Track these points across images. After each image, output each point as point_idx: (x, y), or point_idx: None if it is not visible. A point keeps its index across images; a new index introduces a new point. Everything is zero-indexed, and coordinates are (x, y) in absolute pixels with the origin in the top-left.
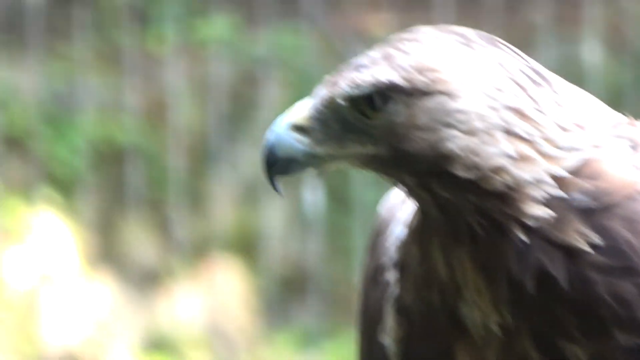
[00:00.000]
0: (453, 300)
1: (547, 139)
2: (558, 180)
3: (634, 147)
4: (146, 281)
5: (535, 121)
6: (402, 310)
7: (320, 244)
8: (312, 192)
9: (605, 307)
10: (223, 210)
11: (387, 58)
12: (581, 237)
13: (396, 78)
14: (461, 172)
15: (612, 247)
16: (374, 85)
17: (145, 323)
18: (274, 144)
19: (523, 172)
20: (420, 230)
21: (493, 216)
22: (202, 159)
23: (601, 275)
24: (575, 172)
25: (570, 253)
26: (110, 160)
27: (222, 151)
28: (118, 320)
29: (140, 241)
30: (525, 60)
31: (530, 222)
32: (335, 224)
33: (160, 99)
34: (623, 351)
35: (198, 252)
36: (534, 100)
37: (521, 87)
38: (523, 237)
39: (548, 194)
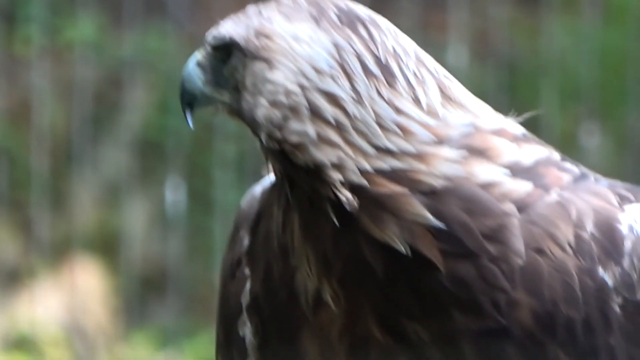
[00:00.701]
0: (290, 272)
1: (359, 131)
2: (363, 173)
3: (468, 155)
4: (7, 280)
5: (347, 111)
6: (253, 304)
7: (181, 244)
8: (173, 192)
9: (443, 290)
10: (85, 210)
11: (245, 17)
12: (406, 229)
13: (237, 36)
14: (265, 141)
15: (448, 233)
16: (223, 39)
17: (5, 322)
18: (184, 76)
19: (321, 155)
20: (270, 191)
21: (305, 190)
22: (65, 160)
23: (442, 260)
24: (385, 171)
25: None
26: None
27: (85, 152)
28: None
29: (1, 240)
30: (377, 49)
31: (345, 206)
32: (196, 224)
33: (24, 100)
34: (463, 329)
35: (59, 251)
36: (356, 90)
37: (348, 75)
38: (334, 220)
39: (349, 181)
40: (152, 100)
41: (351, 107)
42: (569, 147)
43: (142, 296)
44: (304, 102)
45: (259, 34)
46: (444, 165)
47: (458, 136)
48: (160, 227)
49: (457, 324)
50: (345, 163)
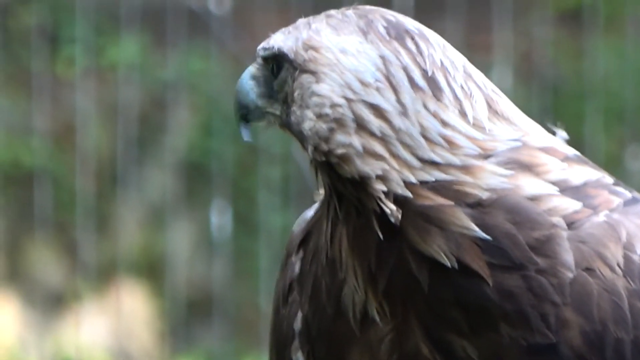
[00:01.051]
0: (338, 287)
1: (404, 144)
2: (408, 185)
3: (515, 169)
4: (52, 303)
5: (393, 123)
6: (304, 328)
7: (226, 267)
8: (218, 215)
9: (491, 303)
10: (130, 233)
11: (294, 29)
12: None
13: (286, 48)
14: (312, 154)
15: (494, 245)
16: (272, 50)
17: (51, 346)
18: (238, 89)
19: (366, 166)
20: (320, 207)
21: (351, 202)
22: (109, 182)
23: (489, 272)
24: (430, 184)
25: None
26: (18, 182)
27: (130, 174)
28: (24, 342)
29: (46, 263)
30: (425, 62)
31: (390, 218)
32: (241, 247)
33: (69, 122)
34: (511, 346)
35: (104, 274)
36: (402, 103)
37: (394, 88)
38: (379, 232)
39: (394, 193)
40: (196, 122)
41: (397, 120)
42: (613, 170)
43: (187, 320)
44: (350, 115)
45: (307, 46)
46: (490, 178)
47: (505, 150)
48: (205, 250)
49: (504, 339)
50: (389, 175)
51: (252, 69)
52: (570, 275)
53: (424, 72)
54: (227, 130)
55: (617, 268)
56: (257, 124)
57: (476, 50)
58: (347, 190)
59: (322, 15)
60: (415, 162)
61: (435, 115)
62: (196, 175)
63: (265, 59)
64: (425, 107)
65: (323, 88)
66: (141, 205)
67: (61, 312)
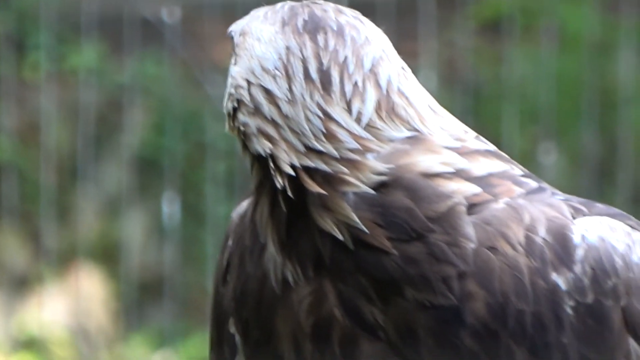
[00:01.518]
0: (261, 252)
1: (292, 130)
2: (295, 168)
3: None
4: (17, 286)
5: (281, 109)
6: (234, 301)
7: (176, 253)
8: (169, 205)
9: (394, 270)
10: (88, 222)
11: (250, 15)
12: (349, 219)
13: (233, 32)
14: (227, 128)
15: (392, 221)
16: (229, 33)
17: (15, 324)
18: None
19: (259, 146)
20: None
21: (265, 176)
22: (70, 176)
23: (390, 244)
24: (313, 171)
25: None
26: None
27: (89, 169)
28: None
29: (12, 249)
30: (324, 57)
31: (288, 193)
32: (190, 234)
33: (33, 121)
34: (418, 312)
35: (65, 259)
36: (292, 92)
37: (288, 77)
38: (283, 205)
39: (286, 173)
40: (149, 122)
41: (285, 107)
42: (527, 165)
43: (140, 300)
44: (247, 97)
45: (242, 31)
46: (369, 175)
47: (390, 149)
48: (156, 237)
49: (411, 304)
50: (279, 155)
51: None
52: (472, 245)
53: (321, 65)
54: (177, 129)
55: (518, 247)
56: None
57: (404, 56)
58: (258, 166)
59: (270, 6)
60: (301, 148)
61: (319, 107)
62: (149, 170)
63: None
64: (312, 97)
65: (235, 70)
66: (99, 197)
67: (25, 294)
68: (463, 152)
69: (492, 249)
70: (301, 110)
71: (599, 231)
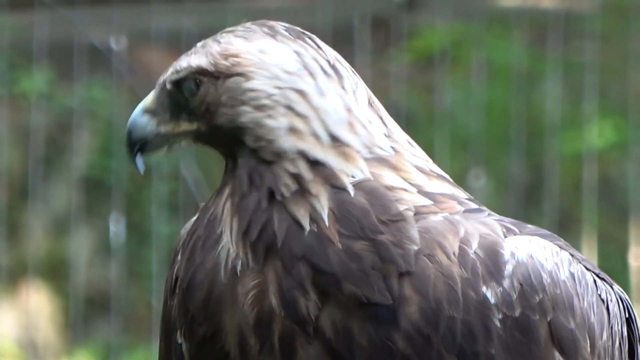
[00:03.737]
0: (215, 243)
1: (320, 120)
2: (311, 161)
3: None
4: None
5: (312, 103)
6: (179, 301)
7: (121, 270)
8: (115, 224)
9: (336, 261)
10: (37, 240)
11: (203, 46)
12: (316, 210)
13: (204, 63)
14: (251, 143)
15: (346, 217)
16: (188, 70)
17: None
18: (129, 128)
19: (286, 143)
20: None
21: (252, 174)
22: (20, 195)
23: (338, 237)
24: (329, 162)
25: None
26: None
27: (38, 189)
28: None
29: None
30: (326, 55)
31: (281, 190)
32: (135, 252)
33: None
34: (353, 309)
35: (14, 276)
36: (319, 87)
37: (312, 74)
38: (264, 201)
39: (298, 170)
40: (96, 144)
41: (316, 99)
42: None
43: (86, 315)
44: (283, 100)
45: (225, 55)
46: (354, 172)
47: (372, 155)
48: (103, 255)
49: (347, 299)
50: (305, 151)
51: (144, 104)
52: (415, 247)
53: (328, 62)
54: (123, 151)
55: (453, 257)
56: (154, 152)
57: None
58: (258, 167)
59: (224, 32)
60: (326, 140)
61: (342, 99)
62: (96, 190)
63: (177, 83)
64: (335, 90)
65: (255, 84)
66: (47, 216)
67: None
68: (425, 173)
69: (430, 256)
70: (330, 102)
71: (528, 249)
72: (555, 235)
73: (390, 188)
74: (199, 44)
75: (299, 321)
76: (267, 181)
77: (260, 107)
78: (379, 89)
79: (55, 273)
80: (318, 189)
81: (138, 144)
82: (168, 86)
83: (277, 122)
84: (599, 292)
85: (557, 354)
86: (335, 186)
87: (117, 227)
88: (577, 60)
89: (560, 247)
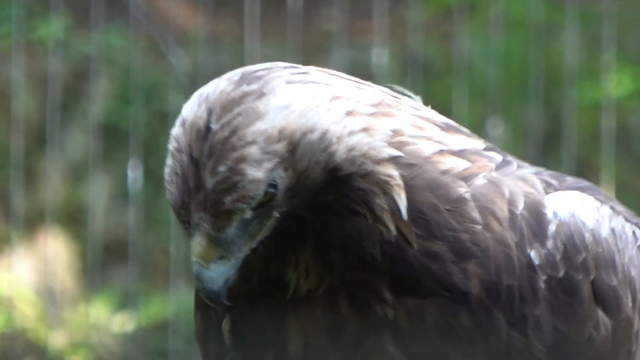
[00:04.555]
0: (278, 272)
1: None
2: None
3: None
4: None
5: (365, 115)
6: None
7: (139, 216)
8: (132, 170)
9: (417, 265)
10: (54, 187)
11: (242, 159)
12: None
13: (264, 171)
14: (349, 168)
15: (421, 218)
16: (258, 191)
17: None
18: (209, 287)
19: (381, 148)
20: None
21: (339, 201)
22: (38, 142)
23: (416, 239)
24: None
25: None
26: None
27: (55, 136)
28: None
29: None
30: (344, 77)
31: (371, 202)
32: (152, 199)
33: (3, 90)
34: (427, 300)
35: (32, 222)
36: (361, 101)
37: (351, 96)
38: (351, 224)
39: (388, 170)
40: (113, 91)
41: (364, 109)
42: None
43: (103, 262)
44: (352, 126)
45: (279, 138)
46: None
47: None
48: (120, 201)
49: (425, 292)
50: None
51: (206, 259)
52: (479, 227)
53: (353, 80)
54: (140, 98)
55: (504, 222)
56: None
57: (358, 34)
58: (347, 194)
59: (238, 117)
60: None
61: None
62: (113, 137)
63: (255, 207)
64: (372, 96)
65: (320, 128)
66: (65, 162)
67: None
68: (441, 126)
69: (485, 226)
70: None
71: (570, 207)
72: (594, 187)
73: (434, 162)
74: (231, 163)
75: (373, 321)
76: (362, 198)
77: (339, 139)
78: (398, 38)
79: (72, 220)
80: (399, 190)
81: (222, 290)
82: (247, 215)
83: (357, 137)
84: (638, 244)
85: (600, 312)
86: (404, 183)
87: (134, 173)
88: (595, 11)
89: (601, 202)
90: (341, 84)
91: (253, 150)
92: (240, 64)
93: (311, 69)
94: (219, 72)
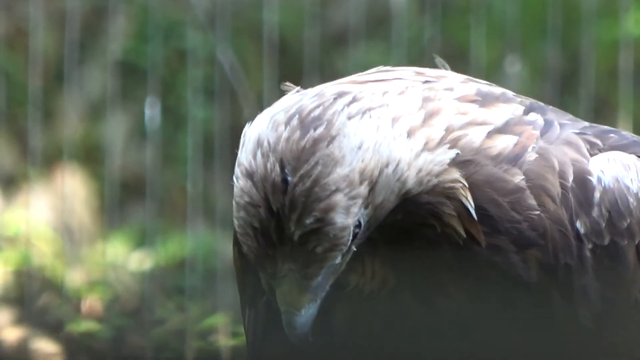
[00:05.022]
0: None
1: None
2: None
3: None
4: (4, 185)
5: (429, 122)
6: None
7: (156, 154)
8: (150, 108)
9: (483, 260)
10: (72, 124)
11: (330, 209)
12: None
13: (352, 216)
14: (418, 188)
15: (485, 215)
16: (349, 237)
17: (3, 221)
18: (302, 332)
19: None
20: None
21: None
22: (56, 80)
23: (482, 236)
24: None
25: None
26: None
27: (74, 74)
28: None
29: (0, 150)
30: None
31: (443, 208)
32: (170, 137)
33: (21, 28)
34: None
35: (50, 160)
36: (411, 112)
37: (403, 111)
38: (424, 230)
39: (454, 175)
40: (131, 29)
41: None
42: (493, 75)
43: (121, 200)
44: (414, 145)
45: (357, 180)
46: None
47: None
48: (138, 139)
49: (487, 281)
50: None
51: (305, 313)
52: (537, 213)
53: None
54: (158, 36)
55: (557, 199)
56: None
57: None
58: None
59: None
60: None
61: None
62: (131, 74)
63: (348, 248)
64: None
65: (392, 161)
66: (83, 100)
67: (13, 192)
68: (480, 102)
69: (541, 206)
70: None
71: (614, 171)
72: (638, 140)
73: (496, 160)
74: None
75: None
76: (429, 211)
77: (409, 165)
78: None
79: (90, 157)
80: (465, 191)
81: (310, 330)
82: (338, 261)
83: (422, 158)
84: None
85: None
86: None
87: (152, 111)
88: None
89: None
90: (389, 98)
91: (339, 198)
92: (259, 3)
93: (353, 88)
94: (237, 11)
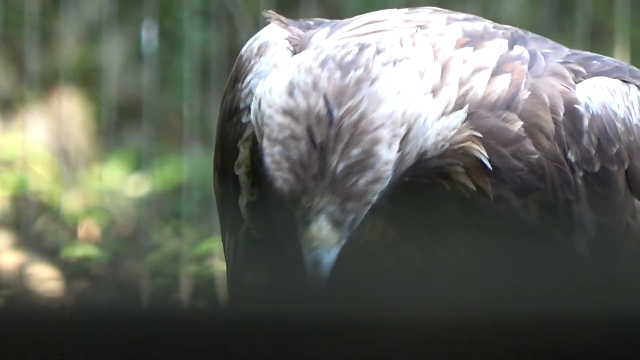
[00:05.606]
0: None
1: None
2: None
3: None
4: (1, 108)
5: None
6: (253, 175)
7: (153, 77)
8: (147, 31)
9: (488, 210)
10: (69, 47)
11: (376, 141)
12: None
13: (394, 152)
14: (432, 152)
15: (493, 166)
16: (390, 172)
17: (0, 144)
18: (326, 272)
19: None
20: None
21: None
22: (52, 2)
23: (490, 187)
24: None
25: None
26: None
27: None
28: None
29: None
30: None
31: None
32: (167, 59)
33: None
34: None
35: (47, 83)
36: (432, 67)
37: (427, 66)
38: (436, 186)
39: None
40: None
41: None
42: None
43: (118, 123)
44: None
45: (403, 121)
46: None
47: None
48: (135, 62)
49: (490, 229)
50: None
51: (328, 247)
52: (536, 156)
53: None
54: None
55: (551, 136)
56: None
57: None
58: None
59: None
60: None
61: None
62: None
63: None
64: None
65: (402, 127)
66: (80, 22)
67: (9, 116)
68: (471, 43)
69: (537, 145)
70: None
71: (601, 98)
72: (619, 64)
73: (495, 106)
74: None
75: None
76: (439, 174)
77: (432, 124)
78: None
79: (87, 80)
80: (478, 144)
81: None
82: (376, 197)
83: (441, 122)
84: None
85: (635, 200)
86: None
87: (149, 34)
88: None
89: (628, 84)
90: (408, 50)
91: (385, 133)
92: None
93: (366, 39)
94: None
